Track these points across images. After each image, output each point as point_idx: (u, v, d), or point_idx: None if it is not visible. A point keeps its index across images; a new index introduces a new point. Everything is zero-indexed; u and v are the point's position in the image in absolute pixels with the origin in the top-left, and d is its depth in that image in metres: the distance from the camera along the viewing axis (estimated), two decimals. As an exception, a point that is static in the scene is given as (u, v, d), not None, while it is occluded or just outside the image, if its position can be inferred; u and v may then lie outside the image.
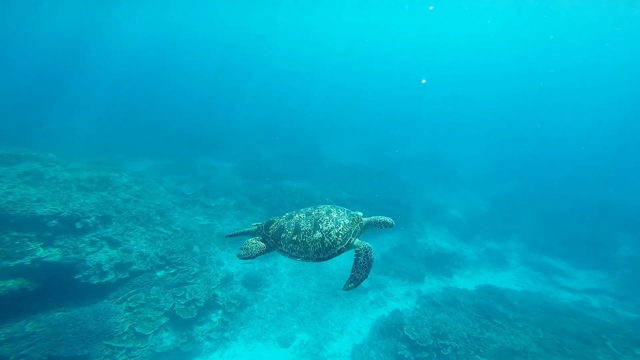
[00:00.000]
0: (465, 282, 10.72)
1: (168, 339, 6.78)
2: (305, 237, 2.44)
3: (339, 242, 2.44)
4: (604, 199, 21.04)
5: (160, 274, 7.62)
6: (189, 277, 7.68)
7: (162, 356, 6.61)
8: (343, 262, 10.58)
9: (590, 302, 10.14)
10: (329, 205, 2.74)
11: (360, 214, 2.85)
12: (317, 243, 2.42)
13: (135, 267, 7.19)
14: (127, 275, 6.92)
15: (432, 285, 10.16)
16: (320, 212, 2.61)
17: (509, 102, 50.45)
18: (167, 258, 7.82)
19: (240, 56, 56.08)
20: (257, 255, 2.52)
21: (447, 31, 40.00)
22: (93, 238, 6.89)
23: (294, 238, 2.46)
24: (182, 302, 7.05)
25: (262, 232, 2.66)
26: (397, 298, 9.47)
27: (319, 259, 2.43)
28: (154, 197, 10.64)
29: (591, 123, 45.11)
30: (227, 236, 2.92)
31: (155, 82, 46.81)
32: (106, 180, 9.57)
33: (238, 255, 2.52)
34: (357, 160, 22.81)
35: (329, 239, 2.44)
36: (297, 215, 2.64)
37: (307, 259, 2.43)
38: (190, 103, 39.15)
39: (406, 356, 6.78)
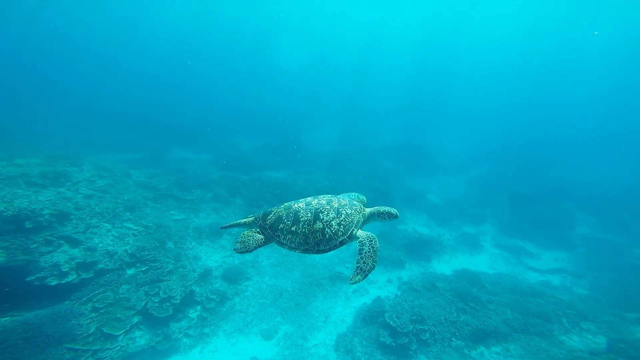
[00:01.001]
0: (443, 266, 11.05)
1: (142, 338, 6.46)
2: (305, 228, 2.32)
3: (340, 233, 2.33)
4: (565, 180, 22.43)
5: (130, 272, 7.15)
6: (163, 274, 7.29)
7: (135, 356, 6.32)
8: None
9: (552, 281, 10.86)
10: (330, 195, 2.61)
11: (364, 198, 2.75)
12: (317, 234, 2.30)
13: (101, 265, 6.70)
14: (92, 274, 6.48)
15: (412, 271, 10.36)
16: (320, 202, 2.48)
17: (484, 91, 52.16)
18: (138, 255, 7.34)
19: (216, 46, 53.59)
20: (255, 248, 2.40)
21: (426, 19, 40.30)
22: (48, 237, 6.28)
23: (293, 229, 2.33)
24: (156, 300, 6.69)
25: (260, 223, 2.51)
26: (379, 285, 9.58)
27: (319, 251, 2.31)
28: (122, 192, 9.92)
29: (555, 109, 47.65)
30: (222, 227, 2.78)
31: (126, 74, 43.84)
32: (63, 175, 8.72)
33: (235, 250, 2.40)
34: (338, 149, 22.71)
35: (330, 229, 2.31)
36: (296, 205, 2.49)
37: (306, 250, 2.32)
38: (164, 95, 37.19)
39: (387, 342, 6.90)
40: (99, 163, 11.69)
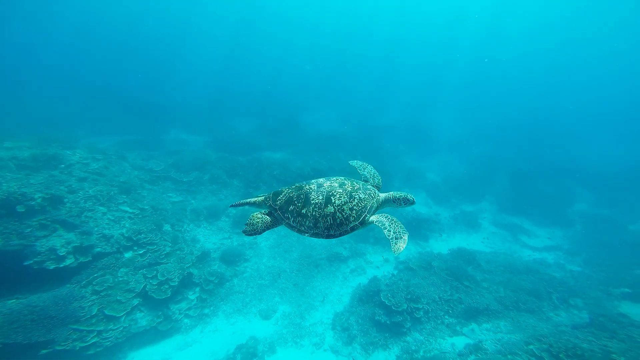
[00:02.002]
0: (440, 245, 11.13)
1: (143, 319, 6.66)
2: (316, 211, 2.23)
3: (352, 219, 2.23)
4: (566, 156, 22.18)
5: (128, 255, 7.22)
6: (161, 257, 7.38)
7: (138, 336, 6.55)
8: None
9: (547, 259, 10.96)
10: (342, 177, 2.50)
11: (378, 182, 2.64)
12: (328, 218, 2.22)
13: (98, 249, 6.77)
14: (90, 258, 6.57)
15: (409, 250, 10.46)
16: (332, 185, 2.38)
17: (482, 69, 50.46)
18: (135, 239, 7.38)
19: (214, 27, 51.11)
20: (263, 230, 2.33)
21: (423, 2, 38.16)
22: (42, 221, 6.27)
23: (303, 211, 2.25)
24: (155, 283, 6.82)
25: (270, 204, 2.43)
26: (376, 265, 9.72)
27: (329, 236, 2.24)
28: (118, 174, 9.80)
29: (553, 88, 46.45)
30: (231, 206, 2.70)
31: (122, 56, 42.21)
32: (56, 158, 8.55)
33: (243, 232, 2.33)
34: (336, 129, 22.28)
35: (342, 214, 2.22)
36: (307, 187, 2.40)
37: (316, 234, 2.24)
38: (161, 76, 36.06)
39: (382, 321, 7.09)
40: (94, 145, 11.48)
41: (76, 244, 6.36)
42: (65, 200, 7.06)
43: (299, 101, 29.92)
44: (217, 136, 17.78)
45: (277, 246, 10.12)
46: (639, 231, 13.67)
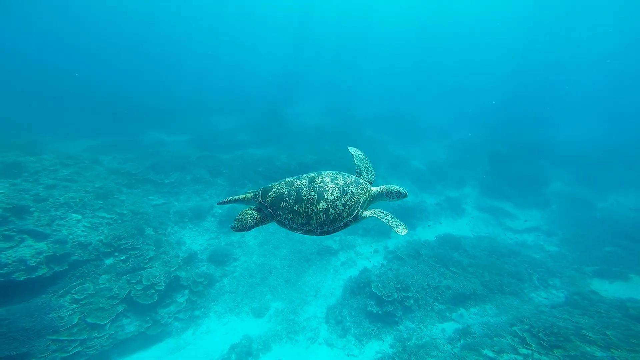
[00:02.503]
0: (427, 232, 11.34)
1: (130, 325, 6.48)
2: (308, 208, 2.17)
3: (345, 214, 2.20)
4: (539, 137, 23.07)
5: (109, 261, 6.93)
6: (144, 261, 7.15)
7: (127, 342, 6.37)
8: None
9: (527, 240, 11.39)
10: (334, 172, 2.45)
11: (372, 177, 2.62)
12: (321, 214, 2.17)
13: (75, 257, 6.49)
14: (66, 267, 6.31)
15: (397, 239, 10.60)
16: (324, 180, 2.32)
17: (460, 57, 51.40)
18: (115, 245, 7.07)
19: (190, 23, 48.90)
20: (252, 227, 2.28)
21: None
22: (6, 232, 5.86)
23: (295, 208, 2.19)
24: (140, 288, 6.64)
25: (259, 200, 2.35)
26: (366, 256, 9.80)
27: (322, 232, 2.20)
28: (92, 179, 9.29)
29: (531, 70, 48.12)
30: (218, 203, 2.62)
31: (93, 55, 39.60)
32: (17, 166, 7.97)
33: (232, 227, 2.27)
34: (321, 121, 22.11)
35: (335, 210, 2.18)
36: (298, 182, 2.33)
37: (309, 231, 2.20)
38: (135, 76, 34.32)
39: (374, 311, 7.19)
40: (63, 151, 10.78)
41: (49, 254, 6.05)
42: (32, 209, 6.63)
43: (280, 95, 29.40)
44: (197, 135, 17.25)
45: (266, 243, 9.99)
46: (608, 208, 14.43)
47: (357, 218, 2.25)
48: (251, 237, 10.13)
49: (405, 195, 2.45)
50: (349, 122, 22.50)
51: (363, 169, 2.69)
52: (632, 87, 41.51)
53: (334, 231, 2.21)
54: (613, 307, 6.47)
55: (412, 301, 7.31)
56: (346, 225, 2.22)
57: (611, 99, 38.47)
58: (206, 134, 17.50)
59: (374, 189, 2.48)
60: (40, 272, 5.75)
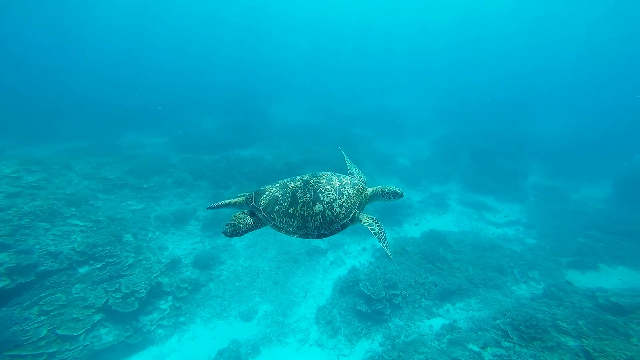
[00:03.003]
0: (413, 229, 11.47)
1: (108, 334, 6.24)
2: (304, 210, 2.12)
3: (342, 216, 2.16)
4: (517, 132, 23.93)
5: (83, 270, 6.59)
6: (123, 268, 6.87)
7: (104, 352, 6.15)
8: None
9: (508, 234, 11.68)
10: (329, 173, 2.41)
11: (364, 178, 2.62)
12: (318, 217, 2.12)
13: (44, 267, 6.14)
14: (33, 278, 5.97)
15: (386, 237, 10.50)
16: (319, 181, 2.27)
17: (443, 54, 52.65)
18: (90, 253, 6.73)
19: (170, 22, 47.20)
20: (246, 232, 2.20)
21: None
22: None
23: (291, 211, 2.13)
24: (118, 296, 6.40)
25: (252, 204, 2.28)
26: (354, 255, 9.79)
27: (319, 235, 2.16)
28: (63, 186, 8.77)
29: (511, 67, 50.12)
30: (208, 208, 2.48)
31: (66, 54, 37.45)
32: (-34, 174, 7.38)
33: (223, 232, 2.18)
34: (307, 120, 21.99)
35: (332, 212, 2.14)
36: (292, 184, 2.26)
37: (305, 235, 2.15)
38: (112, 77, 32.81)
39: (364, 310, 7.22)
40: (27, 156, 10.12)
41: (11, 265, 5.71)
42: (-11, 220, 6.15)
43: (265, 94, 29.03)
44: (179, 136, 16.72)
45: (253, 245, 9.79)
46: (580, 200, 15.12)
47: (354, 220, 2.22)
48: (237, 240, 9.90)
49: (401, 195, 2.46)
50: (335, 120, 22.51)
51: (355, 170, 2.69)
52: (600, 84, 43.97)
53: (331, 234, 2.16)
54: (585, 298, 6.77)
55: (400, 299, 7.35)
56: (343, 227, 2.17)
57: (581, 95, 40.55)
58: (188, 135, 17.01)
59: (370, 190, 2.45)
60: (1, 285, 5.39)
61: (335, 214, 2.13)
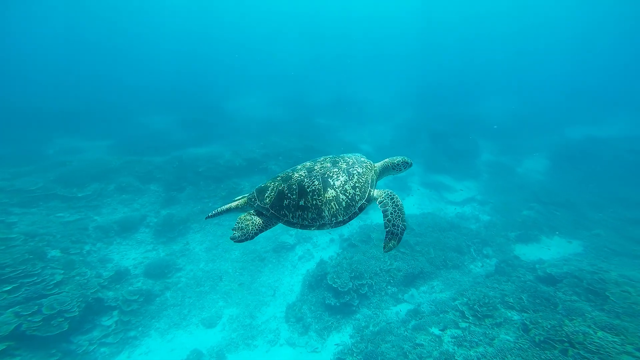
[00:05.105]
0: (378, 215, 11.46)
1: None
2: (316, 199, 1.95)
3: (357, 197, 2.03)
4: (468, 113, 25.43)
5: (-20, 296, 5.42)
6: (47, 287, 5.98)
7: None
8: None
9: (465, 212, 12.10)
10: (331, 156, 2.28)
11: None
12: (332, 203, 1.96)
13: None
14: None
15: (352, 226, 10.62)
16: (325, 165, 2.13)
17: (403, 42, 54.31)
18: (-5, 276, 5.56)
19: (112, 19, 42.14)
20: (256, 234, 1.99)
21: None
22: None
23: (302, 203, 1.96)
24: (38, 319, 5.62)
25: (257, 204, 2.08)
26: (323, 247, 9.63)
27: (337, 223, 2.00)
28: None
29: (464, 54, 53.39)
30: (207, 217, 2.28)
31: None
32: None
33: (232, 238, 1.95)
34: (271, 113, 21.18)
35: (346, 195, 2.00)
36: (296, 174, 2.09)
37: (322, 225, 1.98)
38: (38, 76, 28.72)
39: (332, 304, 7.19)
40: None
41: None
42: None
43: (220, 88, 27.50)
44: (123, 138, 15.10)
45: (214, 248, 9.11)
46: (524, 173, 16.35)
47: (370, 199, 2.08)
48: (196, 244, 9.17)
49: (410, 165, 2.34)
50: (297, 111, 21.99)
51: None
52: (531, 63, 48.50)
53: (349, 219, 2.00)
54: (528, 270, 7.26)
55: (366, 288, 7.32)
56: (361, 209, 2.03)
57: (519, 76, 44.41)
58: (134, 136, 15.44)
59: (378, 164, 2.34)
60: None
61: (350, 196, 1.98)
